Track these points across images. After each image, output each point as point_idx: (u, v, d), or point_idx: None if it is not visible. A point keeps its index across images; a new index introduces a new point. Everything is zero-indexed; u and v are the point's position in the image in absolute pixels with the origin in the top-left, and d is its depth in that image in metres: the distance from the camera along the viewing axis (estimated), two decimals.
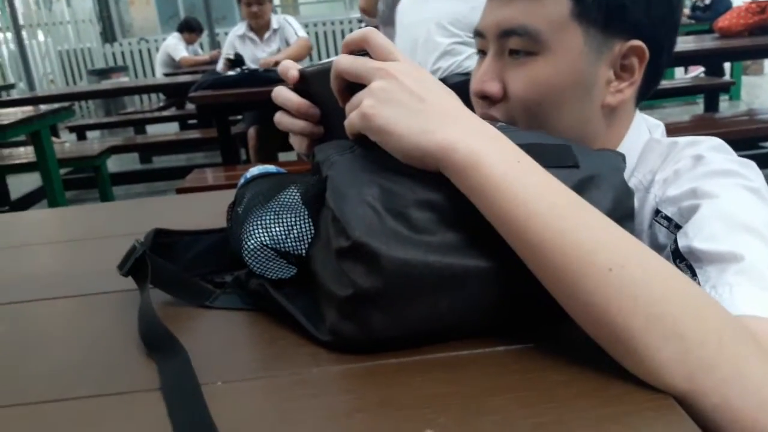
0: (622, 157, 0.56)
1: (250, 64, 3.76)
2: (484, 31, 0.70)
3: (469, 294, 0.48)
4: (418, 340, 0.49)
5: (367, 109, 0.49)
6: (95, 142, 5.17)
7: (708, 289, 0.53)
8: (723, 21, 3.84)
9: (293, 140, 0.65)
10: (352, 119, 0.51)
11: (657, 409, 0.41)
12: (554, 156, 0.52)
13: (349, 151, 0.53)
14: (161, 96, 6.85)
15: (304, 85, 0.60)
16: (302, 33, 4.06)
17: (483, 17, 0.71)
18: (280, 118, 0.62)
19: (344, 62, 0.53)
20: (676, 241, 0.59)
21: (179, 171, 4.11)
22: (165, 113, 6.11)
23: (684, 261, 0.58)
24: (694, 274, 0.56)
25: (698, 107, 5.90)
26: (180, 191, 2.49)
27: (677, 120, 4.08)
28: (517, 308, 0.50)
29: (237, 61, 3.67)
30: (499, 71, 0.69)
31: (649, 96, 0.74)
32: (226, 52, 3.96)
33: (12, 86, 7.78)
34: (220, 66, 3.98)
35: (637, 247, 0.46)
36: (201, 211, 1.04)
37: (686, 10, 7.61)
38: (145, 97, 7.99)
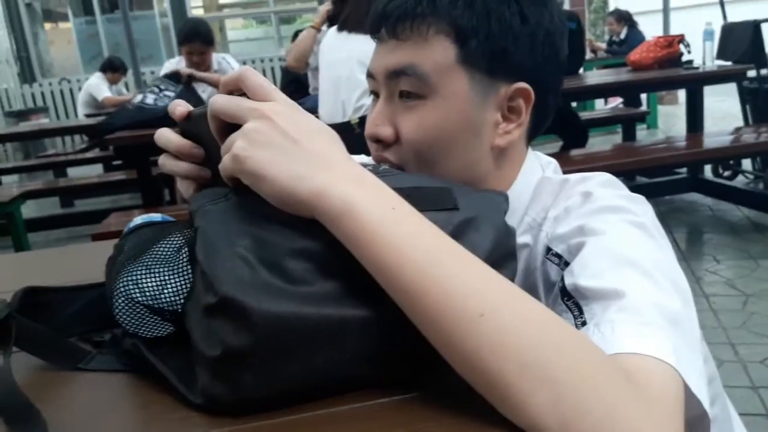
0: (505, 197, 0.56)
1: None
2: (374, 74, 0.70)
3: (346, 345, 0.46)
4: (295, 398, 0.47)
5: (239, 150, 0.48)
6: (13, 186, 4.96)
7: (592, 327, 0.53)
8: (634, 55, 4.04)
9: (180, 185, 0.62)
10: (224, 162, 0.49)
11: None
12: (433, 199, 0.51)
13: (224, 199, 0.51)
14: (84, 137, 6.65)
15: (191, 126, 0.58)
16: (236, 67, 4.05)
17: (372, 60, 0.71)
18: (164, 160, 0.60)
19: (219, 102, 0.51)
20: (563, 278, 0.59)
21: (102, 214, 3.94)
22: (88, 155, 5.92)
23: (571, 298, 0.57)
24: (581, 312, 0.56)
25: (619, 137, 6.15)
26: (96, 237, 2.39)
27: (600, 149, 4.23)
28: (398, 358, 0.48)
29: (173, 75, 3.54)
30: (390, 115, 0.69)
31: (540, 133, 0.75)
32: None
33: None
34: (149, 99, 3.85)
35: (510, 292, 0.45)
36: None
37: (603, 45, 7.98)
38: (67, 138, 7.74)
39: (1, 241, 4.34)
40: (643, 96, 6.70)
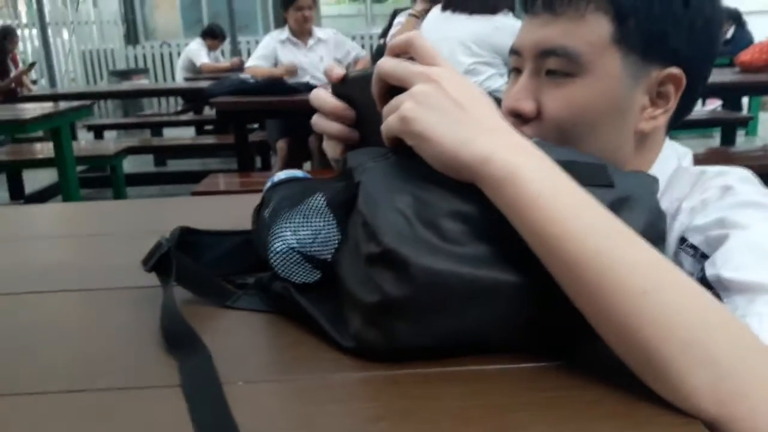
0: (656, 180, 0.56)
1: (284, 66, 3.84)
2: (521, 49, 0.70)
3: (498, 308, 0.48)
4: (443, 352, 0.49)
5: (407, 112, 0.49)
6: (112, 141, 5.21)
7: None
8: (745, 55, 3.83)
9: (327, 144, 0.65)
10: (390, 122, 0.51)
11: None
12: (589, 174, 0.52)
13: (383, 159, 0.53)
14: (179, 100, 6.91)
15: (345, 89, 0.61)
16: (363, 52, 4.18)
17: (521, 35, 0.71)
18: (317, 120, 0.62)
19: (388, 65, 0.52)
20: (703, 269, 0.59)
21: (193, 175, 4.12)
22: (182, 117, 6.15)
23: (711, 290, 0.57)
24: None
25: (714, 140, 5.87)
26: (195, 194, 2.50)
27: (693, 152, 4.06)
28: (547, 326, 0.49)
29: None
30: (534, 90, 0.69)
31: (681, 122, 0.73)
32: (262, 54, 3.99)
33: (34, 82, 7.87)
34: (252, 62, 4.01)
35: (673, 271, 0.45)
36: (216, 214, 1.04)
37: None
38: (163, 100, 8.06)
39: (101, 192, 4.60)
40: (744, 100, 6.37)
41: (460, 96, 0.49)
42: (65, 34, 9.30)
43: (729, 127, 4.83)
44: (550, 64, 0.67)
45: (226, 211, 1.03)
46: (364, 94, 0.56)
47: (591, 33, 0.65)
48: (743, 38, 6.54)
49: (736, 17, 7.07)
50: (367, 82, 0.56)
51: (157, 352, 0.53)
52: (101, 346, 0.55)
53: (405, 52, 0.53)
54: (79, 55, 9.35)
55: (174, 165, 5.78)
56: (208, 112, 5.61)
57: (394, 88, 0.53)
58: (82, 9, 9.51)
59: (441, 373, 0.47)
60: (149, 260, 0.60)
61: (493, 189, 0.47)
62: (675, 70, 0.66)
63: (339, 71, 0.60)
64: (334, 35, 4.11)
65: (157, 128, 6.00)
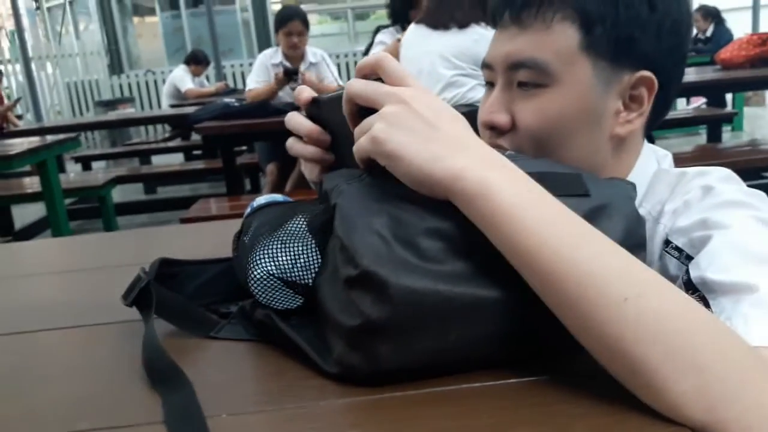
0: (633, 186, 0.56)
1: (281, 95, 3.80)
2: (492, 63, 0.70)
3: (479, 324, 0.47)
4: (427, 372, 0.48)
5: (378, 132, 0.49)
6: (100, 172, 5.20)
7: (722, 321, 0.52)
8: (725, 53, 3.87)
9: (304, 167, 0.65)
10: (361, 143, 0.51)
11: None
12: (564, 184, 0.52)
13: (358, 180, 0.53)
14: (167, 127, 6.91)
15: (317, 111, 0.61)
16: (338, 79, 4.15)
17: (491, 49, 0.71)
18: (292, 143, 0.62)
19: (356, 86, 0.52)
20: (688, 271, 0.58)
21: (183, 201, 4.11)
22: (170, 144, 6.15)
23: (697, 292, 0.57)
24: (707, 306, 0.55)
25: (701, 138, 5.92)
26: (184, 221, 2.49)
27: (680, 150, 4.09)
28: (529, 340, 0.49)
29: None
30: (507, 102, 0.69)
31: (658, 125, 0.73)
32: (259, 80, 3.94)
33: (20, 117, 7.85)
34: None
35: (653, 277, 0.45)
36: (205, 240, 1.04)
37: None
38: (150, 128, 8.06)
39: (91, 223, 4.58)
40: (728, 97, 6.42)
41: (430, 115, 0.49)
42: (49, 68, 9.32)
43: (714, 123, 4.87)
44: (521, 76, 0.67)
45: (215, 237, 1.02)
46: (337, 115, 0.56)
47: (559, 43, 0.65)
48: (723, 36, 6.61)
49: (715, 15, 7.14)
50: (338, 103, 0.56)
51: (140, 388, 0.52)
52: (83, 385, 0.54)
53: (373, 73, 0.53)
54: (63, 87, 9.36)
55: (164, 192, 5.77)
56: (196, 137, 5.60)
57: (364, 109, 0.53)
58: (65, 42, 9.53)
59: (426, 395, 0.47)
60: (128, 294, 0.60)
61: (467, 204, 0.47)
62: (646, 73, 0.66)
63: (307, 95, 0.60)
64: (321, 58, 4.10)
65: (145, 156, 5.99)
